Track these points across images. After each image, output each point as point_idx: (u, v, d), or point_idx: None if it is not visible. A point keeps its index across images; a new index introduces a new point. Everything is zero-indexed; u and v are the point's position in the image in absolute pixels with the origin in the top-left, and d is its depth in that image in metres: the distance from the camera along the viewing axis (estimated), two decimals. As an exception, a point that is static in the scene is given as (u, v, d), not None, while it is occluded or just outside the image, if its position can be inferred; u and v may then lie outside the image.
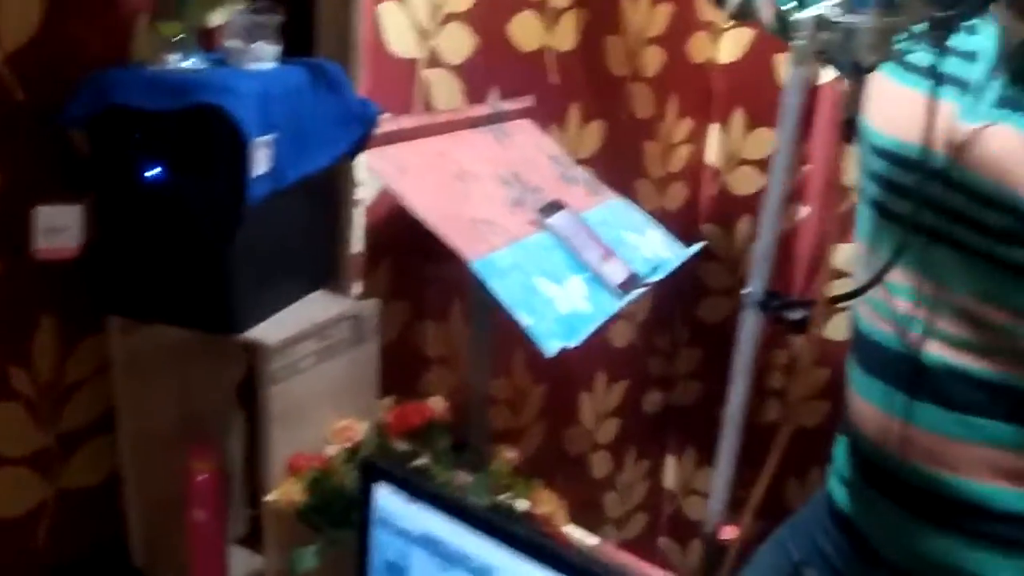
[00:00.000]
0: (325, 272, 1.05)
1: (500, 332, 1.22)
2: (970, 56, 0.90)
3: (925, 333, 0.95)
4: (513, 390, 1.51)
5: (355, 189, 1.05)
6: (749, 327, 0.87)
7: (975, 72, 0.89)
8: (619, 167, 1.53)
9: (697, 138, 1.68)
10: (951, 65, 0.90)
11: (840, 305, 1.14)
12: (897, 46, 0.80)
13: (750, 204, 1.69)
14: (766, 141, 1.66)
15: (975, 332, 0.91)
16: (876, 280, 0.94)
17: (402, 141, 1.12)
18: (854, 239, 1.06)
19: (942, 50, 0.85)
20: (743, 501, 1.38)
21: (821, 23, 0.79)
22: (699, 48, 1.60)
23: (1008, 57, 0.87)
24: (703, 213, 1.74)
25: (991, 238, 0.87)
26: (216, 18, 0.94)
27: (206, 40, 0.95)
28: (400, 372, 1.28)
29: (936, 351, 0.94)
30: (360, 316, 1.02)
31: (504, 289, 1.03)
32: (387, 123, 1.09)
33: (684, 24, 1.55)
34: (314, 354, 0.96)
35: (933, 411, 0.94)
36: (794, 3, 0.82)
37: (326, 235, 1.04)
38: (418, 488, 0.81)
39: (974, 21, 0.90)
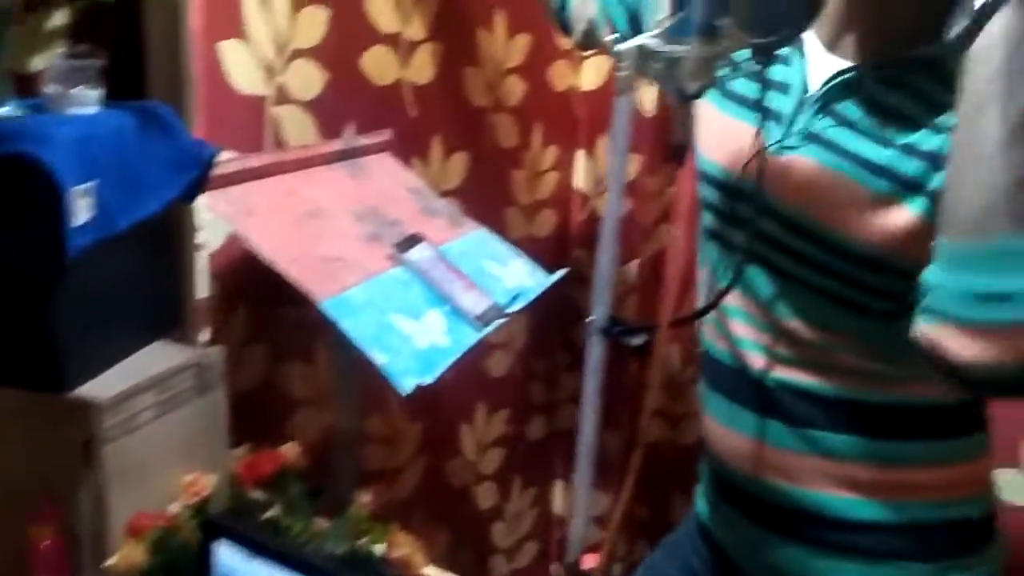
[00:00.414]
0: (167, 321, 1.01)
1: (372, 369, 1.20)
2: (783, 87, 0.93)
3: (760, 353, 0.97)
4: (389, 427, 1.48)
5: (196, 233, 1.02)
6: (595, 354, 0.87)
7: (787, 103, 0.92)
8: (486, 197, 1.53)
9: (564, 165, 1.69)
10: (768, 95, 0.93)
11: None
12: (720, 72, 0.82)
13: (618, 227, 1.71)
14: (630, 165, 1.69)
15: (803, 351, 0.93)
16: (712, 304, 0.96)
17: (249, 181, 1.09)
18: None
19: (763, 78, 0.88)
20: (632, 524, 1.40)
21: (644, 53, 0.80)
22: (560, 76, 1.62)
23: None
24: (574, 238, 1.75)
25: (802, 265, 0.90)
26: (35, 63, 0.90)
27: (25, 86, 0.91)
28: (264, 418, 1.25)
29: (772, 369, 0.96)
30: (203, 365, 0.98)
31: (357, 328, 1.01)
32: (232, 163, 1.06)
33: (543, 54, 1.56)
34: (154, 407, 0.92)
35: (776, 427, 0.96)
36: (616, 34, 0.83)
37: (167, 282, 1.01)
38: (259, 543, 0.78)
39: (787, 53, 0.94)
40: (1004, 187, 0.71)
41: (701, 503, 1.11)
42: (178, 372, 0.95)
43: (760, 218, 0.91)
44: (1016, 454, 1.48)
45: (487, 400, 1.67)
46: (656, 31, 0.79)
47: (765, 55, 0.86)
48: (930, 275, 0.76)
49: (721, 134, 0.95)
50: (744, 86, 0.95)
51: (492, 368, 1.66)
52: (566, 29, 1.16)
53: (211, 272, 1.09)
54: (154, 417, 0.93)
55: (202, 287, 1.04)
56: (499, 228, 1.56)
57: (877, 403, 0.92)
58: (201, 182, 0.95)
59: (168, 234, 0.99)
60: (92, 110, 0.87)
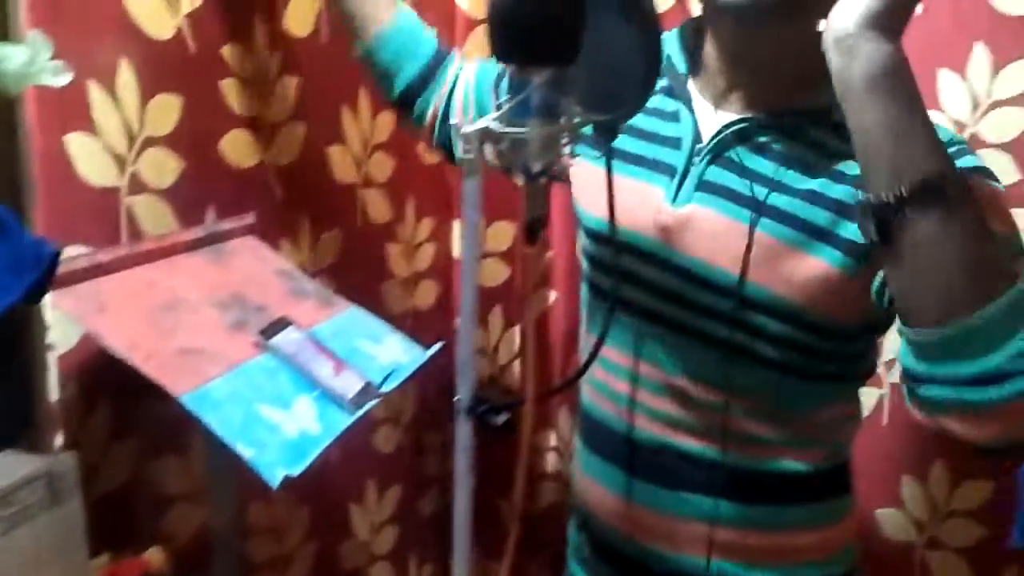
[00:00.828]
0: (15, 428, 0.96)
1: (249, 459, 1.16)
2: (675, 143, 0.95)
3: (642, 412, 0.97)
4: (273, 516, 1.43)
5: (45, 334, 0.98)
6: (463, 434, 0.86)
7: (679, 158, 0.94)
8: (361, 273, 1.52)
9: (441, 235, 1.70)
10: (659, 152, 0.95)
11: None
12: (565, 149, 0.83)
13: (499, 295, 1.72)
14: (507, 233, 1.70)
15: (689, 411, 0.94)
16: (587, 365, 0.97)
17: (101, 275, 1.05)
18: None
19: (609, 151, 0.90)
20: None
21: (487, 135, 0.81)
22: (425, 150, 1.63)
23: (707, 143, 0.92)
24: (457, 308, 1.75)
25: (702, 316, 0.91)
26: None
27: None
28: (135, 518, 1.20)
29: (653, 430, 0.97)
30: (55, 473, 0.93)
31: (220, 421, 0.98)
32: (81, 259, 1.03)
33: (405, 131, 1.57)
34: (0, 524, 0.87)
35: (651, 489, 0.97)
36: (455, 121, 0.85)
37: (14, 388, 0.96)
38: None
39: (675, 109, 0.96)
40: (960, 269, 0.71)
41: (573, 563, 1.10)
42: (27, 483, 0.90)
43: (659, 272, 0.93)
44: (897, 494, 1.52)
45: (377, 477, 1.64)
46: (498, 113, 0.81)
47: (606, 131, 0.89)
48: (911, 363, 0.76)
49: (622, 195, 0.96)
50: (631, 144, 0.97)
51: (380, 444, 1.64)
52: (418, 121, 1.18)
53: (63, 373, 1.05)
54: (1, 534, 0.87)
55: (53, 390, 0.99)
56: (378, 304, 1.55)
57: (757, 470, 0.93)
58: (43, 283, 0.91)
59: (12, 339, 0.95)
60: (-83, 216, 0.83)
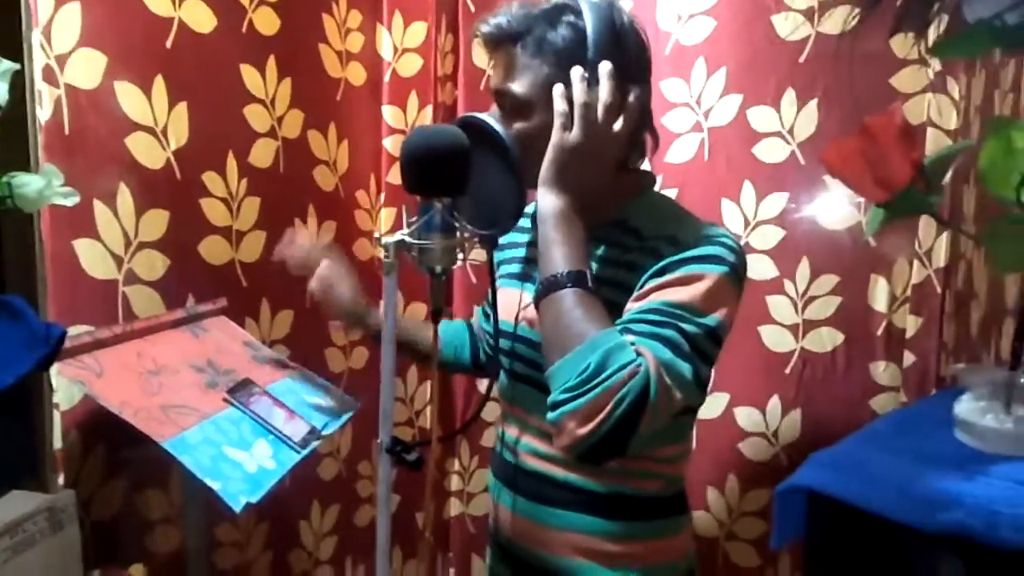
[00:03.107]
0: (24, 472, 0.89)
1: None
2: (534, 261, 0.97)
3: (526, 449, 0.97)
4: (237, 532, 1.36)
5: (52, 395, 0.92)
6: (383, 469, 0.84)
7: (536, 271, 0.96)
8: (309, 342, 1.48)
9: (371, 313, 1.68)
10: (527, 268, 0.97)
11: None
12: (460, 255, 0.85)
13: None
14: (421, 310, 1.69)
15: (551, 447, 0.94)
16: (471, 420, 0.98)
17: (102, 348, 1.01)
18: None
19: (491, 257, 0.92)
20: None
21: (400, 245, 0.82)
22: (363, 250, 1.62)
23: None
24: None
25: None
26: None
27: None
28: (124, 541, 1.12)
29: (528, 461, 0.96)
30: (56, 508, 0.87)
31: (194, 461, 0.94)
32: (84, 337, 0.98)
33: (347, 235, 1.56)
34: (8, 550, 0.81)
35: (532, 507, 0.96)
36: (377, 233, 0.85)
37: (23, 439, 0.90)
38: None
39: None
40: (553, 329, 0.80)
41: (489, 568, 1.08)
42: (31, 516, 0.84)
43: (525, 347, 0.94)
44: (704, 500, 1.55)
45: (320, 498, 1.58)
46: (410, 229, 0.82)
47: (489, 242, 0.91)
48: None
49: (503, 299, 0.99)
50: (512, 266, 1.00)
51: (323, 472, 1.58)
52: None
53: (66, 426, 0.99)
54: (9, 558, 0.81)
55: (56, 440, 0.93)
56: (322, 366, 1.52)
57: (612, 492, 0.92)
58: (51, 357, 0.87)
59: (25, 399, 0.89)
60: (-52, 305, 0.79)
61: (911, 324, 1.39)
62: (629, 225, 0.90)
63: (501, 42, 0.88)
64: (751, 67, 1.43)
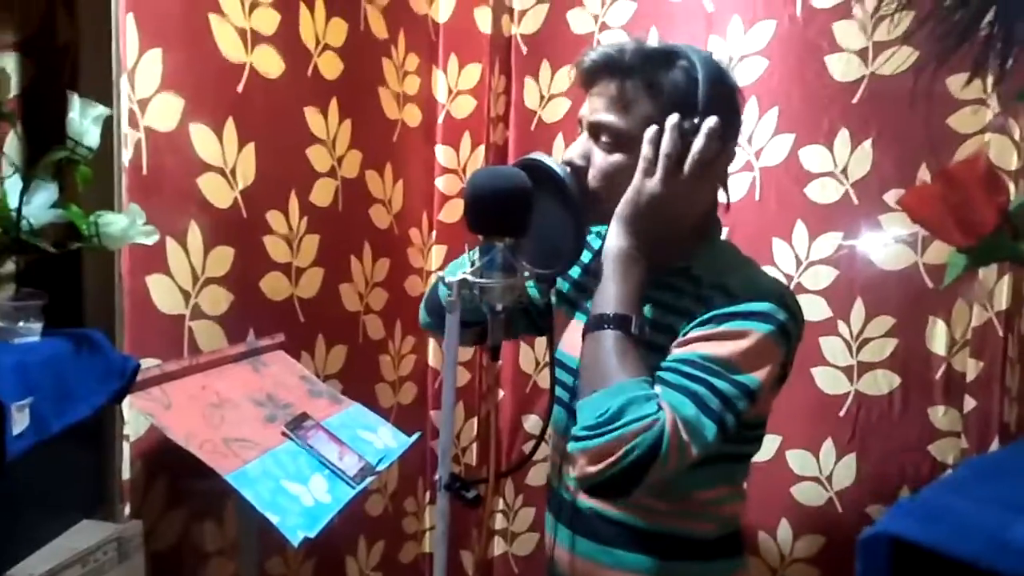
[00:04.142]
0: (95, 501, 0.92)
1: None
2: (586, 289, 0.97)
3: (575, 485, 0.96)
4: (286, 566, 1.37)
5: (123, 427, 0.95)
6: (441, 505, 0.84)
7: (587, 299, 0.96)
8: (361, 377, 1.50)
9: (420, 349, 1.69)
10: (589, 302, 0.98)
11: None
12: (519, 294, 0.86)
13: (461, 393, 1.71)
14: (467, 349, 1.70)
15: None
16: (527, 457, 0.97)
17: (169, 381, 1.03)
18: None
19: (549, 294, 0.93)
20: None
21: (463, 284, 0.84)
22: (414, 287, 1.65)
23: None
24: (431, 403, 1.74)
25: None
26: (-13, 304, 0.84)
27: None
28: (182, 570, 1.14)
29: (585, 499, 0.95)
30: (124, 538, 0.89)
31: (255, 495, 0.95)
32: (153, 370, 1.01)
33: (400, 272, 1.59)
34: (80, 578, 0.82)
35: (587, 544, 0.95)
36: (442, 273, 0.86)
37: (95, 469, 0.92)
38: None
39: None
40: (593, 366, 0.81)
41: None
42: (101, 546, 0.86)
43: (578, 381, 0.93)
44: (756, 545, 1.51)
45: (367, 534, 1.58)
46: (472, 268, 0.83)
47: (548, 281, 0.91)
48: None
49: (570, 330, 0.97)
50: (579, 295, 0.99)
51: (370, 509, 1.59)
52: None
53: (132, 457, 1.01)
54: (79, 587, 0.82)
55: (124, 471, 0.96)
56: (372, 400, 1.54)
57: (662, 532, 0.91)
58: (125, 389, 0.89)
59: (98, 430, 0.92)
60: (35, 339, 0.82)
61: (971, 368, 1.35)
62: (692, 272, 0.90)
63: (611, 74, 0.87)
64: (804, 107, 1.43)
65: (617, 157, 0.87)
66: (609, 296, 0.83)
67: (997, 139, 1.31)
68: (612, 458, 0.75)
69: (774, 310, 0.83)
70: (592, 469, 0.76)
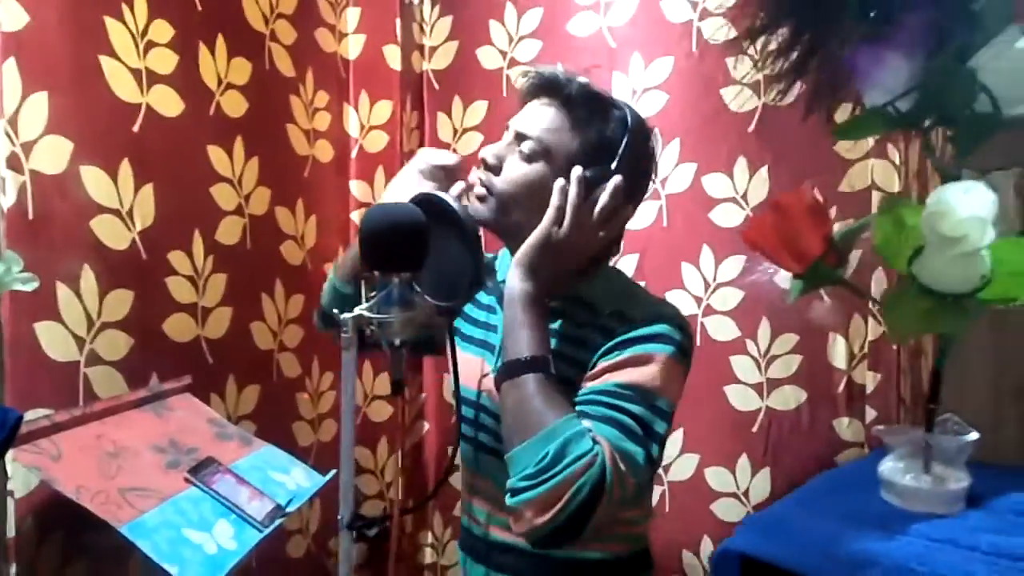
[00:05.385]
0: (-26, 563, 0.87)
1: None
2: (495, 328, 0.98)
3: (493, 522, 0.96)
4: (201, 617, 1.32)
5: (6, 482, 0.90)
6: (344, 545, 0.83)
7: (496, 339, 0.97)
8: (277, 416, 1.47)
9: (339, 385, 1.67)
10: (486, 335, 0.99)
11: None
12: (418, 328, 0.86)
13: (384, 429, 1.69)
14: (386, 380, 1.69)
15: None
16: (435, 490, 0.96)
17: (60, 432, 0.99)
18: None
19: (451, 328, 0.93)
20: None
21: (359, 319, 0.83)
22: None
23: None
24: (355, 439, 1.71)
25: None
26: None
27: None
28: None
29: (497, 533, 0.95)
30: (5, 600, 0.85)
31: (151, 546, 0.92)
32: (42, 420, 0.97)
33: (315, 308, 1.57)
34: (-48, 647, 0.78)
35: None
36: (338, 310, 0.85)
37: (-26, 529, 0.88)
38: None
39: (493, 302, 1.00)
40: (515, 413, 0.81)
41: None
42: (-21, 611, 0.81)
43: (485, 415, 0.94)
44: (681, 562, 1.52)
45: (289, 578, 1.54)
46: (368, 304, 0.83)
47: (448, 313, 0.92)
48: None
49: (463, 364, 0.98)
50: (471, 330, 1.00)
51: (292, 551, 1.55)
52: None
53: (20, 514, 0.96)
54: (-49, 657, 0.78)
55: (12, 528, 0.91)
56: (290, 440, 1.50)
57: (577, 559, 0.91)
58: (6, 443, 0.85)
59: (-23, 488, 0.87)
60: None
61: (870, 380, 1.41)
62: (583, 300, 0.92)
63: (552, 95, 0.91)
64: (703, 137, 1.49)
65: (530, 168, 0.90)
66: (522, 341, 0.84)
67: (880, 164, 1.39)
68: (560, 503, 0.74)
69: (671, 331, 0.87)
70: (540, 520, 0.75)
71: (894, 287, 0.80)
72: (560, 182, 0.87)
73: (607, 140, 0.88)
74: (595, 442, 0.76)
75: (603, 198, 0.86)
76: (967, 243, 0.65)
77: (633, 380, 0.82)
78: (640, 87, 1.54)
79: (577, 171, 0.86)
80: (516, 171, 0.90)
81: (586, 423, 0.79)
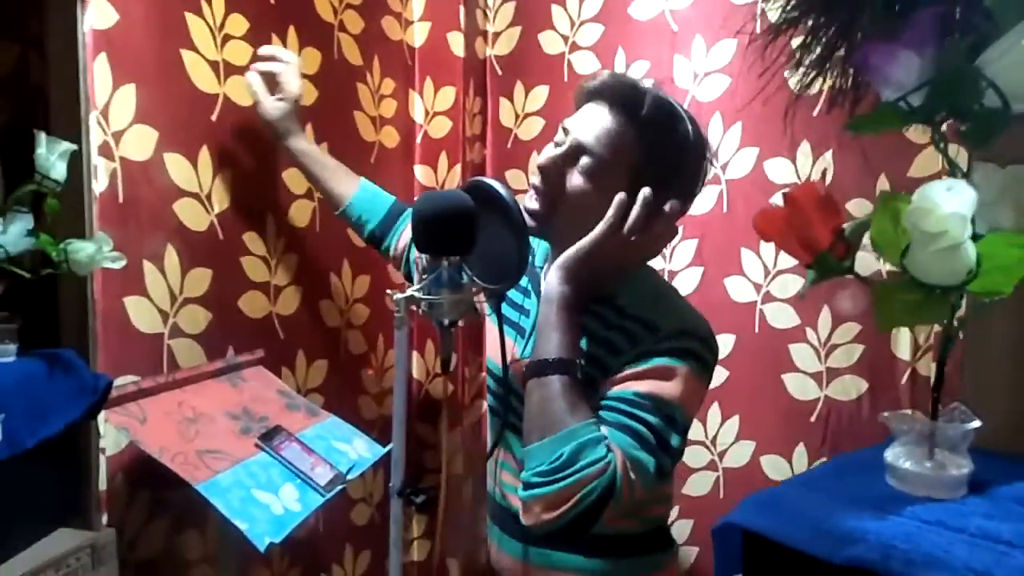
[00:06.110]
0: (71, 511, 0.97)
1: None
2: (527, 312, 1.02)
3: (512, 490, 1.00)
4: (271, 572, 1.41)
5: (99, 440, 1.00)
6: (395, 510, 0.88)
7: (528, 323, 1.01)
8: (344, 390, 1.55)
9: (403, 362, 1.74)
10: (519, 318, 1.02)
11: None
12: (466, 308, 0.90)
13: (445, 405, 1.75)
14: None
15: None
16: (487, 457, 1.00)
17: (146, 397, 1.09)
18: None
19: (499, 310, 0.97)
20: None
21: (411, 300, 0.88)
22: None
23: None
24: (416, 415, 1.77)
25: None
26: (-38, 329, 0.89)
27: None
28: (162, 579, 1.18)
29: (515, 502, 0.99)
30: (97, 544, 0.94)
31: (224, 503, 1.00)
32: (130, 386, 1.06)
33: (380, 287, 1.64)
34: (53, 583, 0.88)
35: (521, 546, 0.99)
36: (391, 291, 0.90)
37: (71, 481, 0.97)
38: None
39: (528, 287, 1.03)
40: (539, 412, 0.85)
41: None
42: (75, 552, 0.91)
43: (511, 395, 0.98)
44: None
45: (353, 543, 1.62)
46: (419, 285, 0.88)
47: (495, 296, 0.96)
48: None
49: (494, 343, 1.02)
50: (508, 311, 1.04)
51: (356, 518, 1.63)
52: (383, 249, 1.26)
53: (111, 470, 1.06)
54: (53, 591, 0.87)
55: (103, 481, 1.01)
56: (355, 413, 1.58)
57: (594, 532, 0.95)
58: (98, 405, 0.94)
59: (73, 444, 0.97)
60: (9, 359, 0.87)
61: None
62: (613, 302, 0.94)
63: (617, 106, 0.90)
64: (766, 121, 1.47)
65: (587, 185, 0.91)
66: (553, 341, 0.87)
67: (952, 147, 1.33)
68: (568, 504, 0.78)
69: (697, 346, 0.89)
70: (548, 516, 0.79)
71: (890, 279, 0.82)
72: (620, 196, 0.87)
73: (670, 158, 0.89)
74: (609, 450, 0.79)
75: (659, 223, 0.88)
76: (948, 238, 0.67)
77: (653, 391, 0.84)
78: (702, 71, 1.53)
79: (646, 192, 0.87)
80: (573, 186, 0.91)
81: (603, 430, 0.81)
